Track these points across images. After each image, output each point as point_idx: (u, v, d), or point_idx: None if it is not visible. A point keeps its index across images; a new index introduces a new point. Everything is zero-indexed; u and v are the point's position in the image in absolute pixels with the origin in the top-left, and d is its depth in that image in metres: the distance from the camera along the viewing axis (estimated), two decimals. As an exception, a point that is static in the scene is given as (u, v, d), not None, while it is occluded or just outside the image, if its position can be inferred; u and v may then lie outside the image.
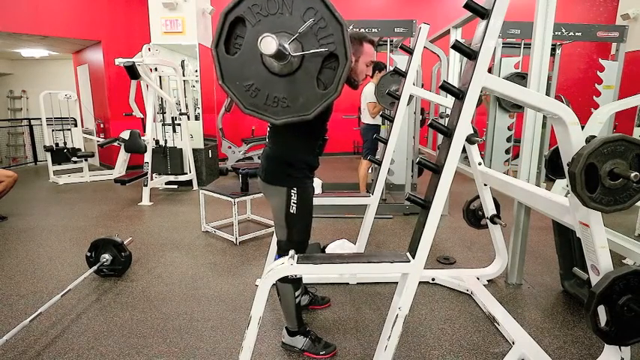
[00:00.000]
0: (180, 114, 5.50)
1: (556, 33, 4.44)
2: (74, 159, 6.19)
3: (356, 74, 1.70)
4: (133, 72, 4.67)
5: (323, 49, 1.07)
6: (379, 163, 2.63)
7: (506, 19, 1.33)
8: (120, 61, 4.64)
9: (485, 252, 3.19)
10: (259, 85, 1.09)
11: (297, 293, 1.83)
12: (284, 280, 1.76)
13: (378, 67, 4.31)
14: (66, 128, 6.40)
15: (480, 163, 2.52)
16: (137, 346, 1.99)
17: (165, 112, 5.50)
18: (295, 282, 1.81)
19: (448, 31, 3.96)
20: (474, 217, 2.79)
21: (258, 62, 1.07)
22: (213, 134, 6.63)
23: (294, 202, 1.72)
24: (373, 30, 4.11)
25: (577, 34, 4.67)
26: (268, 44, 0.95)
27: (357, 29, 3.96)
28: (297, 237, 1.79)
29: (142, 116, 5.46)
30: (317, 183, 3.14)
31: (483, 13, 1.32)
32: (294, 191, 1.71)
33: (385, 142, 2.64)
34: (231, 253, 3.20)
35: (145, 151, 5.07)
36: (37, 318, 2.09)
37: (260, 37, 0.95)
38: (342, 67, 1.09)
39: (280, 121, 1.21)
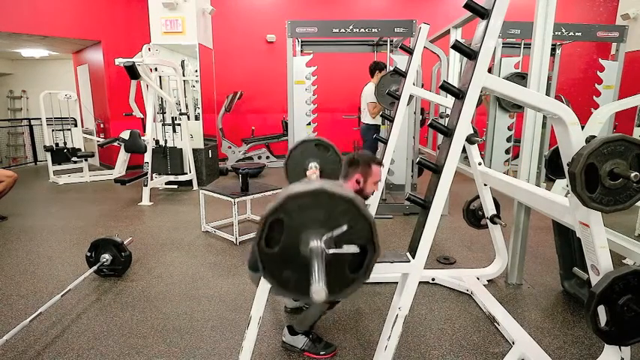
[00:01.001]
0: (181, 114, 5.50)
1: (556, 33, 4.44)
2: (74, 159, 6.19)
3: (365, 193, 1.86)
4: (133, 72, 4.67)
5: (354, 248, 1.18)
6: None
7: (506, 19, 1.33)
8: (120, 61, 4.64)
9: (485, 252, 3.19)
10: (297, 274, 1.20)
11: (325, 313, 1.87)
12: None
13: (378, 67, 4.31)
14: (66, 128, 6.40)
15: (480, 163, 2.52)
16: (137, 346, 1.99)
17: (165, 112, 5.50)
18: (333, 304, 1.83)
19: (448, 31, 3.96)
20: (474, 217, 2.79)
21: (296, 254, 1.18)
22: (213, 134, 6.63)
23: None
24: (373, 30, 4.11)
25: (577, 34, 4.67)
26: (319, 293, 1.06)
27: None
28: None
29: (142, 116, 5.45)
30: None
31: (483, 13, 1.33)
32: None
33: (385, 142, 2.65)
34: (231, 253, 3.20)
35: (145, 151, 5.07)
36: (37, 318, 2.09)
37: (311, 289, 1.07)
38: (369, 256, 1.21)
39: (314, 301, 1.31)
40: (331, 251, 1.15)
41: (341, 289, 1.24)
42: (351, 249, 1.17)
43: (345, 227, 1.15)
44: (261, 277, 1.78)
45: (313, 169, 2.14)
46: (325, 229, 1.16)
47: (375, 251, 1.21)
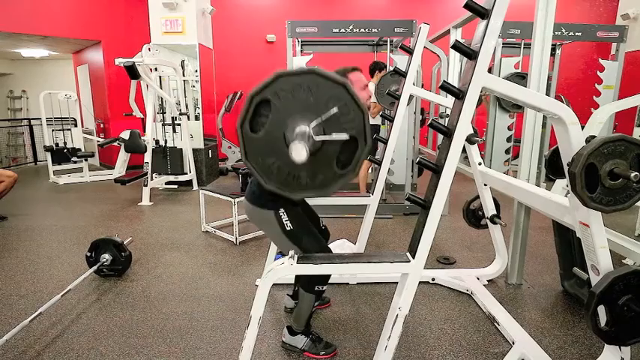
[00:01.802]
0: (180, 114, 5.50)
1: (556, 33, 4.43)
2: (74, 159, 6.19)
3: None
4: (133, 72, 4.67)
5: (344, 135, 1.10)
6: (379, 163, 2.63)
7: (506, 19, 1.33)
8: (120, 61, 4.64)
9: (485, 252, 3.19)
10: (281, 163, 1.13)
11: (316, 303, 1.83)
12: (310, 290, 1.78)
13: (378, 66, 4.31)
14: (66, 128, 6.40)
15: (480, 163, 2.52)
16: (137, 346, 1.99)
17: (165, 112, 5.50)
18: (319, 294, 1.82)
19: (448, 31, 3.96)
20: (474, 217, 2.79)
21: (281, 142, 1.10)
22: (213, 134, 6.63)
23: (286, 220, 1.72)
24: (373, 30, 4.11)
25: (577, 34, 4.67)
26: (299, 151, 0.98)
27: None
28: (311, 245, 1.76)
29: (142, 116, 5.46)
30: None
31: (483, 13, 1.32)
32: (282, 211, 1.72)
33: (385, 142, 2.64)
34: (231, 253, 3.20)
35: (145, 151, 5.07)
36: (37, 318, 2.09)
37: (290, 144, 0.98)
38: (360, 150, 1.14)
39: (298, 197, 1.25)
40: (319, 138, 1.09)
41: (328, 184, 1.18)
42: (341, 137, 1.11)
43: (335, 109, 1.09)
44: (260, 211, 1.75)
45: None
46: (315, 116, 1.08)
47: (366, 144, 1.14)
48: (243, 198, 1.89)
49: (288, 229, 1.73)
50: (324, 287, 1.81)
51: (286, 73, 1.09)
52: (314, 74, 1.09)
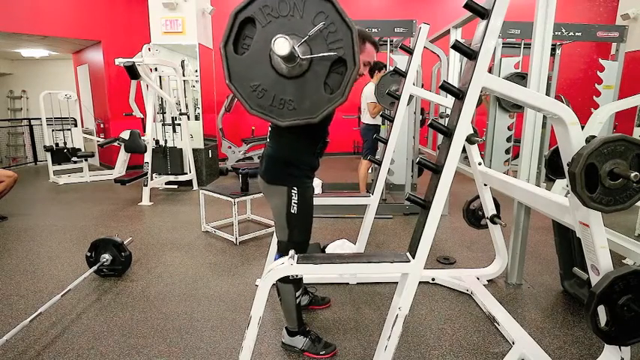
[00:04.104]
0: (181, 114, 5.50)
1: (556, 33, 4.44)
2: (74, 159, 6.19)
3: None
4: (133, 72, 4.67)
5: (332, 53, 1.06)
6: (379, 163, 2.63)
7: (506, 19, 1.33)
8: (120, 61, 4.64)
9: (485, 252, 3.19)
10: (266, 86, 1.09)
11: (297, 293, 1.83)
12: (285, 280, 1.76)
13: (378, 66, 4.31)
14: (66, 128, 6.40)
15: (480, 163, 2.52)
16: (137, 346, 1.99)
17: (165, 112, 5.50)
18: (296, 282, 1.81)
19: (448, 31, 3.96)
20: (473, 217, 2.79)
21: (266, 63, 1.06)
22: (213, 134, 6.63)
23: (294, 202, 1.72)
24: (373, 30, 4.11)
25: (577, 34, 4.67)
26: (281, 45, 0.95)
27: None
28: (298, 237, 1.79)
29: (142, 116, 5.46)
30: (317, 183, 3.13)
31: (483, 13, 1.32)
32: (294, 191, 1.71)
33: (385, 142, 2.65)
34: (231, 253, 3.20)
35: (145, 151, 5.07)
36: (37, 318, 2.09)
37: (274, 38, 0.94)
38: (349, 72, 1.09)
39: (285, 123, 1.21)
40: (306, 57, 1.04)
41: (316, 109, 1.14)
42: (329, 55, 1.07)
43: (321, 25, 1.05)
44: (274, 187, 1.72)
45: None
46: (301, 36, 1.04)
47: (355, 65, 1.10)
48: (259, 177, 1.85)
49: (292, 211, 1.72)
50: (299, 275, 1.79)
51: None
52: None
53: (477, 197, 2.68)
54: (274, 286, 1.65)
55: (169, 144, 5.53)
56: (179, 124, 5.50)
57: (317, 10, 1.04)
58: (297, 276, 1.78)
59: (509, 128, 5.30)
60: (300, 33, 1.05)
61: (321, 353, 1.88)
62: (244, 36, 1.05)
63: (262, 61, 1.05)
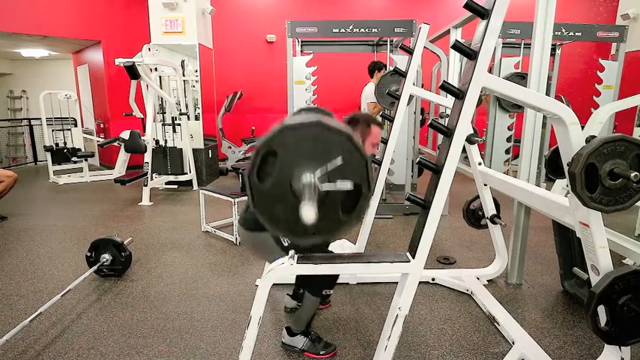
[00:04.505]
0: (181, 114, 5.50)
1: (556, 33, 4.43)
2: (74, 159, 6.19)
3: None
4: (133, 72, 4.67)
5: (348, 184, 1.15)
6: (379, 163, 2.63)
7: (506, 19, 1.33)
8: (120, 61, 4.64)
9: (485, 252, 3.19)
10: (288, 210, 1.17)
11: (319, 306, 1.84)
12: (316, 294, 1.79)
13: (377, 66, 4.31)
14: (66, 128, 6.40)
15: (480, 163, 2.52)
16: (137, 346, 1.99)
17: (165, 112, 5.50)
18: (325, 297, 1.82)
19: (448, 31, 3.96)
20: (473, 217, 2.79)
21: (287, 190, 1.15)
22: (213, 134, 6.63)
23: (282, 237, 1.72)
24: (373, 30, 4.11)
25: (577, 34, 4.67)
26: (309, 213, 1.04)
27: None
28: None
29: (142, 116, 5.45)
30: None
31: (483, 13, 1.32)
32: None
33: (385, 142, 2.64)
34: (231, 253, 3.20)
35: (145, 151, 5.07)
36: (37, 318, 2.09)
37: (302, 207, 1.05)
38: (363, 198, 1.18)
39: (304, 243, 1.32)
40: (325, 187, 1.12)
41: (333, 230, 1.23)
42: (346, 185, 1.14)
43: (339, 160, 1.12)
44: (253, 238, 1.78)
45: None
46: (320, 165, 1.13)
47: (370, 191, 1.18)
48: (239, 227, 1.91)
49: (285, 244, 1.74)
50: (331, 291, 1.81)
51: (292, 126, 1.13)
52: (319, 126, 1.13)
53: (477, 197, 2.68)
54: (274, 286, 1.65)
55: (169, 144, 5.52)
56: (179, 124, 5.50)
57: (334, 143, 1.14)
58: (329, 292, 1.79)
59: (509, 128, 5.29)
60: (318, 162, 1.14)
61: (321, 353, 1.88)
62: (267, 162, 1.15)
63: (284, 189, 1.15)
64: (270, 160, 1.13)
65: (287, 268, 1.41)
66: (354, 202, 1.20)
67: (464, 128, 1.33)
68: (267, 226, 1.23)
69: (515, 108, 5.12)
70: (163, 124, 5.49)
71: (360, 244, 2.74)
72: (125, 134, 5.75)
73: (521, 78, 4.80)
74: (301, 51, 4.90)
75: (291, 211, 1.16)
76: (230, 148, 7.01)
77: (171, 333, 2.10)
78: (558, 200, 1.79)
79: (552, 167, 2.02)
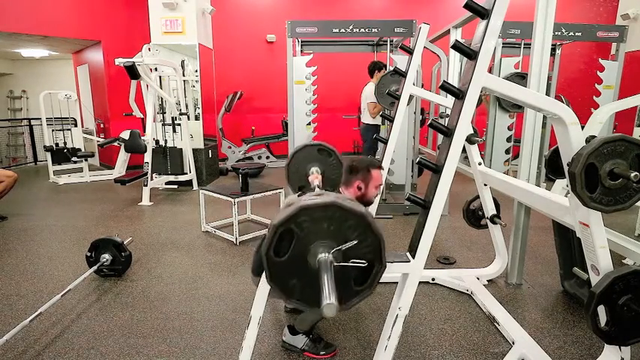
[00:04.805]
0: (181, 114, 5.50)
1: (556, 33, 4.43)
2: (74, 159, 6.19)
3: (367, 198, 1.91)
4: (133, 72, 4.67)
5: (362, 262, 1.19)
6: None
7: (506, 19, 1.33)
8: (120, 61, 4.64)
9: (485, 252, 3.19)
10: (303, 283, 1.22)
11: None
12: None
13: (377, 66, 4.31)
14: (66, 128, 6.40)
15: (480, 163, 2.52)
16: (137, 346, 1.99)
17: (165, 112, 5.50)
18: None
19: (448, 31, 3.96)
20: (473, 217, 2.79)
21: (303, 265, 1.19)
22: (213, 134, 6.63)
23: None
24: (373, 30, 4.11)
25: (577, 34, 4.67)
26: (330, 308, 1.06)
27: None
28: None
29: (142, 116, 5.45)
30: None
31: (483, 13, 1.33)
32: None
33: (385, 142, 2.65)
34: (231, 253, 3.20)
35: (145, 151, 5.07)
36: (37, 318, 2.09)
37: (322, 305, 1.06)
38: (376, 270, 1.23)
39: (318, 314, 1.30)
40: (339, 264, 1.17)
41: (346, 301, 1.26)
42: (360, 263, 1.19)
43: (354, 242, 1.17)
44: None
45: (315, 174, 2.13)
46: (334, 242, 1.17)
47: (382, 266, 1.22)
48: (251, 275, 1.95)
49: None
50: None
51: (309, 207, 1.16)
52: (335, 207, 1.16)
53: (477, 197, 2.68)
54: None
55: (169, 144, 5.52)
56: (179, 124, 5.50)
57: (349, 222, 1.18)
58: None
59: (509, 128, 5.30)
60: (333, 240, 1.18)
61: (321, 353, 1.88)
62: (283, 239, 1.19)
63: (300, 263, 1.19)
64: (286, 236, 1.17)
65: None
66: (367, 275, 1.23)
67: (464, 128, 1.33)
68: (282, 298, 1.26)
69: (515, 108, 5.12)
70: (163, 124, 5.49)
71: (360, 244, 2.73)
72: (125, 134, 5.74)
73: (521, 78, 4.80)
74: (301, 51, 4.90)
75: (306, 284, 1.20)
76: (230, 148, 7.01)
77: (171, 333, 2.10)
78: (558, 200, 1.79)
79: (552, 167, 2.02)
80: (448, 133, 1.36)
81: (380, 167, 1.98)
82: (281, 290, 1.23)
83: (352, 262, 1.18)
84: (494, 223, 2.56)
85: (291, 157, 2.24)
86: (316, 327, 2.07)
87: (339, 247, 1.16)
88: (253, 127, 7.50)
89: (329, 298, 1.05)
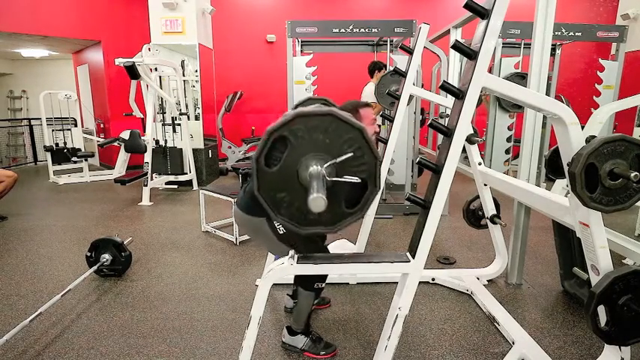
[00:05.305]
0: (181, 114, 5.50)
1: (556, 33, 4.43)
2: (74, 159, 6.19)
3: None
4: (133, 72, 4.67)
5: (356, 179, 1.14)
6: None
7: (506, 19, 1.33)
8: (120, 61, 4.64)
9: (485, 252, 3.19)
10: (292, 198, 1.16)
11: (314, 301, 1.84)
12: (309, 288, 1.79)
13: (377, 66, 4.31)
14: (66, 128, 6.40)
15: (480, 163, 2.52)
16: (137, 346, 1.99)
17: (165, 112, 5.50)
18: (318, 291, 1.82)
19: (448, 31, 3.96)
20: (473, 217, 2.79)
21: (293, 178, 1.14)
22: (213, 134, 6.63)
23: (278, 225, 1.73)
24: (373, 30, 4.11)
25: (577, 34, 4.67)
26: (318, 204, 1.02)
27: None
28: (307, 247, 1.77)
29: (142, 116, 5.46)
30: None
31: (483, 13, 1.32)
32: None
33: (385, 142, 2.65)
34: (231, 253, 3.20)
35: (145, 151, 5.07)
36: (37, 318, 2.09)
37: (309, 197, 1.01)
38: (370, 192, 1.18)
39: (306, 232, 1.29)
40: (332, 179, 1.12)
41: (336, 222, 1.22)
42: (354, 179, 1.14)
43: (350, 154, 1.12)
44: (248, 221, 1.79)
45: None
46: (329, 157, 1.12)
47: (376, 187, 1.18)
48: (234, 207, 1.92)
49: (280, 232, 1.74)
50: (323, 284, 1.81)
51: (305, 114, 1.12)
52: (332, 116, 1.12)
53: (477, 197, 2.68)
54: (274, 286, 1.65)
55: (169, 144, 5.52)
56: (179, 124, 5.50)
57: (346, 136, 1.12)
58: (322, 285, 1.80)
59: (509, 128, 5.29)
60: (328, 153, 1.12)
61: (321, 353, 1.88)
62: (275, 149, 1.13)
63: (290, 176, 1.13)
64: (279, 146, 1.11)
65: (287, 268, 1.41)
66: (359, 197, 1.18)
67: (464, 128, 1.33)
68: (269, 210, 1.21)
69: (515, 108, 5.12)
70: (163, 124, 5.49)
71: (360, 244, 2.74)
72: (125, 134, 5.74)
73: (521, 78, 4.79)
74: (301, 51, 4.90)
75: (295, 199, 1.15)
76: (230, 148, 7.01)
77: (171, 333, 2.10)
78: (558, 200, 1.79)
79: (552, 167, 2.02)
80: (448, 133, 1.36)
81: (368, 105, 1.95)
82: (269, 203, 1.18)
83: (345, 178, 1.13)
84: (494, 223, 2.56)
85: (295, 107, 2.21)
86: (315, 327, 2.07)
87: (334, 161, 1.11)
88: (253, 127, 7.50)
89: (317, 192, 1.01)
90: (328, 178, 1.11)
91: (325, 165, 1.11)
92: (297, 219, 1.18)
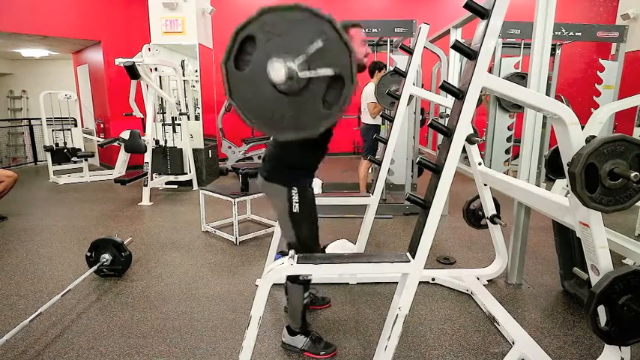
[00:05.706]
0: (181, 114, 5.50)
1: (556, 33, 4.43)
2: (74, 159, 6.19)
3: (356, 58, 1.71)
4: (133, 72, 4.67)
5: (329, 71, 1.08)
6: (379, 163, 2.63)
7: (506, 19, 1.33)
8: (120, 61, 4.64)
9: (485, 252, 3.19)
10: (266, 101, 1.11)
11: (305, 294, 1.83)
12: (295, 280, 1.79)
13: (377, 66, 4.31)
14: (66, 128, 6.40)
15: (480, 163, 2.52)
16: (137, 346, 1.99)
17: (165, 112, 5.50)
18: (306, 283, 1.82)
19: (448, 31, 3.96)
20: (473, 217, 2.79)
21: (265, 80, 1.09)
22: (213, 134, 6.63)
23: (296, 202, 1.73)
24: (373, 30, 4.11)
25: (577, 34, 4.67)
26: (277, 71, 0.97)
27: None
28: (307, 238, 1.79)
29: (142, 116, 5.46)
30: (317, 183, 3.12)
31: (483, 13, 1.33)
32: (294, 190, 1.72)
33: (385, 142, 2.65)
34: (231, 253, 3.19)
35: (145, 151, 5.07)
36: (37, 318, 2.09)
37: (269, 63, 0.96)
38: (347, 89, 1.12)
39: (284, 138, 1.26)
40: (304, 74, 1.07)
41: (314, 125, 1.17)
42: (327, 72, 1.09)
43: (320, 43, 1.07)
44: (269, 187, 1.78)
45: None
46: (299, 54, 1.07)
47: (352, 82, 1.13)
48: (258, 175, 1.88)
49: (294, 210, 1.73)
50: (310, 276, 1.81)
51: (271, 9, 1.07)
52: (299, 9, 1.07)
53: (477, 197, 2.68)
54: (274, 286, 1.65)
55: (169, 144, 5.52)
56: (179, 124, 5.50)
57: (316, 30, 1.07)
58: (307, 277, 1.79)
59: (509, 128, 5.30)
60: (299, 51, 1.07)
61: (321, 353, 1.88)
62: (245, 53, 1.07)
63: (262, 78, 1.08)
64: (248, 48, 1.07)
65: (287, 268, 1.42)
66: (337, 95, 1.14)
67: (464, 128, 1.33)
68: (244, 118, 1.17)
69: (515, 108, 5.12)
70: (163, 124, 5.49)
71: (360, 244, 2.74)
72: (125, 134, 5.74)
73: (521, 78, 4.80)
74: (301, 51, 4.89)
75: (270, 102, 1.10)
76: (230, 148, 7.00)
77: (171, 333, 2.10)
78: (558, 200, 1.79)
79: (552, 167, 2.02)
80: (448, 133, 1.36)
81: (358, 26, 1.84)
82: (242, 108, 1.13)
83: (319, 72, 1.08)
84: (494, 223, 2.56)
85: None
86: (315, 327, 2.07)
87: (305, 54, 1.05)
88: (253, 127, 7.49)
89: (277, 59, 0.97)
90: (300, 74, 1.07)
91: (296, 60, 1.06)
92: (274, 124, 1.13)
